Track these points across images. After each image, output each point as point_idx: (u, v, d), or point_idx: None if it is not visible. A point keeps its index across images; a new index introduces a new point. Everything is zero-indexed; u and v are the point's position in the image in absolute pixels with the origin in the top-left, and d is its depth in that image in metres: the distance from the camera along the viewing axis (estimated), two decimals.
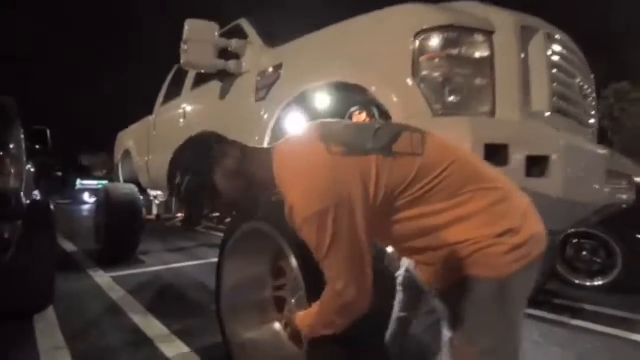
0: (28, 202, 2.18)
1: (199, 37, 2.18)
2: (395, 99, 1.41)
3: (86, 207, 12.70)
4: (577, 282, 3.30)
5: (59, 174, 14.26)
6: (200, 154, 0.99)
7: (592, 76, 1.96)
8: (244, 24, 2.61)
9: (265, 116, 2.04)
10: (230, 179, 0.97)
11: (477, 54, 1.35)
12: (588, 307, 2.78)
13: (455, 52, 1.34)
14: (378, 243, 1.02)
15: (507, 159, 1.21)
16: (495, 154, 1.20)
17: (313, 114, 1.92)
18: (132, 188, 4.11)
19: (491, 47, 1.35)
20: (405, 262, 1.13)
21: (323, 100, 1.87)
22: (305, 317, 1.05)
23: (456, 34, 1.34)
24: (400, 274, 1.16)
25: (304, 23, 2.13)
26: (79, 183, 14.06)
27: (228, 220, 4.92)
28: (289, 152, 0.97)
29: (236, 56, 2.37)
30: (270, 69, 2.10)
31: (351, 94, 1.76)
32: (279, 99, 1.96)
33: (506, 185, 0.90)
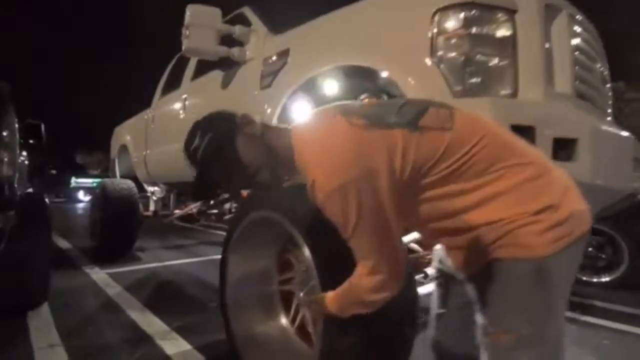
0: (21, 193, 2.08)
1: (201, 22, 2.10)
2: (412, 81, 1.34)
3: (81, 205, 12.52)
4: (583, 278, 3.25)
5: (54, 171, 14.01)
6: (223, 119, 0.97)
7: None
8: (247, 12, 2.54)
9: (271, 104, 1.97)
10: (252, 144, 0.93)
11: (499, 33, 1.28)
12: (598, 303, 2.73)
13: (476, 30, 1.28)
14: (405, 226, 0.96)
15: (533, 141, 1.14)
16: (521, 136, 1.14)
17: (320, 102, 1.85)
18: (129, 183, 4.02)
19: (514, 26, 1.29)
20: (437, 255, 1.07)
21: (331, 86, 1.80)
22: (336, 297, 0.98)
23: (477, 11, 1.28)
24: (434, 267, 1.10)
25: (306, 10, 2.06)
26: (74, 181, 13.83)
27: (227, 217, 4.85)
28: (308, 128, 0.91)
29: (240, 43, 2.29)
30: (276, 55, 2.03)
31: (360, 80, 1.69)
32: (285, 85, 1.89)
33: (542, 159, 0.84)
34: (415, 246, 1.77)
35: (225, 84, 2.43)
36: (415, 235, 1.45)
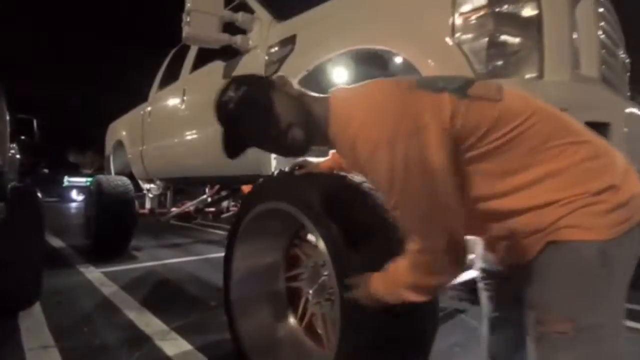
0: (12, 185, 1.97)
1: (202, 8, 2.00)
2: (432, 63, 1.26)
3: (74, 204, 12.32)
4: None
5: (46, 170, 13.76)
6: (258, 76, 0.97)
7: None
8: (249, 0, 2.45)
9: None
10: (287, 102, 0.89)
11: (525, 12, 1.21)
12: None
13: (500, 9, 1.21)
14: None
15: None
16: None
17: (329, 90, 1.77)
18: (125, 180, 3.91)
19: (539, 5, 1.21)
20: (478, 254, 1.00)
21: (340, 72, 1.72)
22: (383, 281, 0.87)
23: None
24: (478, 267, 1.03)
25: None
26: (67, 180, 13.57)
27: (224, 215, 4.72)
28: (351, 90, 0.86)
29: (242, 31, 2.20)
30: (282, 43, 1.94)
31: (373, 65, 1.61)
32: (292, 73, 1.80)
33: (599, 139, 0.77)
34: None
35: (227, 75, 2.34)
36: None
